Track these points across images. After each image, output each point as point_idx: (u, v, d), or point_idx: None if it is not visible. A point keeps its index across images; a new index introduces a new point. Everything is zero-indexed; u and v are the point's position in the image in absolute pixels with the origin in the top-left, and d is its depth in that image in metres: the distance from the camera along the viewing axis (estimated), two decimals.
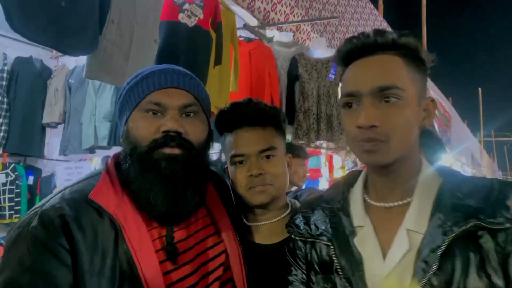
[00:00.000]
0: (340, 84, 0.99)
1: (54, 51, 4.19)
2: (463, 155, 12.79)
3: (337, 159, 5.76)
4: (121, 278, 0.91)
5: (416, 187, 0.92)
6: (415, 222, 0.88)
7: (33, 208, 0.97)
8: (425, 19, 11.30)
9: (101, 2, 1.92)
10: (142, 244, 0.94)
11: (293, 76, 3.33)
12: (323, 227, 1.00)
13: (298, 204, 1.33)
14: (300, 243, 1.06)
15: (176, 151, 0.99)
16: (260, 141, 1.21)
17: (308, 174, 5.37)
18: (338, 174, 5.80)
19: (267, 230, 1.25)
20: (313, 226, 1.02)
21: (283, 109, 3.23)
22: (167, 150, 0.98)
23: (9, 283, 0.83)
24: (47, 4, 1.64)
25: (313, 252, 1.01)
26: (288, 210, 1.28)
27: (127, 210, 0.97)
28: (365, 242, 0.93)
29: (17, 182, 3.96)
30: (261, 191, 1.19)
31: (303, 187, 3.26)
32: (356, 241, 0.94)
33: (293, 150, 2.94)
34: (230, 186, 1.29)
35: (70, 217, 0.91)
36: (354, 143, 0.90)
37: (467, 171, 12.63)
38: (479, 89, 21.65)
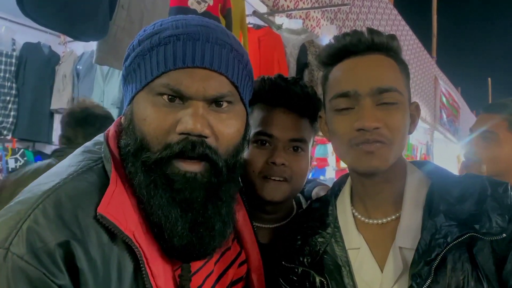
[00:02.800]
0: (327, 84, 0.90)
1: (62, 37, 4.18)
2: None
3: None
4: None
5: (404, 197, 0.87)
6: (407, 238, 0.83)
7: (10, 206, 0.65)
8: (435, 7, 11.13)
9: None
10: (168, 285, 0.71)
11: (302, 64, 3.30)
12: (315, 259, 0.91)
13: (302, 200, 1.23)
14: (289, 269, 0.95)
15: (196, 167, 0.72)
16: (294, 128, 1.05)
17: (314, 164, 5.37)
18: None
19: (272, 233, 1.13)
20: (305, 258, 0.92)
21: None
22: (184, 166, 0.72)
23: None
24: None
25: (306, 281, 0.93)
26: (294, 212, 1.17)
27: (148, 233, 0.71)
28: (362, 265, 0.87)
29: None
30: (275, 186, 1.03)
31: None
32: (354, 267, 0.87)
33: None
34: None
35: (77, 244, 0.63)
36: (350, 147, 0.83)
37: None
38: (489, 79, 21.40)
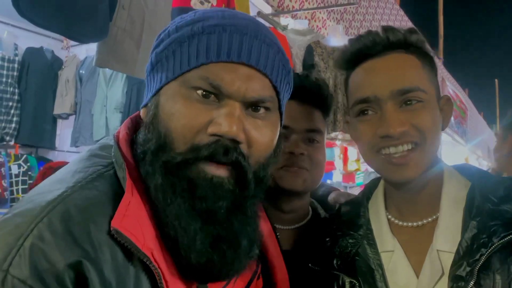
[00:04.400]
0: (348, 90, 0.88)
1: (65, 41, 4.16)
2: (479, 147, 12.56)
3: (352, 151, 5.64)
4: None
5: (442, 198, 0.83)
6: (446, 241, 0.79)
7: (2, 223, 0.55)
8: (442, 9, 11.04)
9: None
10: None
11: (308, 65, 3.23)
12: (346, 261, 0.88)
13: (318, 206, 1.20)
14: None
15: (224, 172, 0.63)
16: (309, 119, 1.07)
17: None
18: (353, 167, 5.70)
19: (287, 236, 1.09)
20: (335, 260, 0.89)
21: None
22: (211, 169, 0.63)
23: None
24: None
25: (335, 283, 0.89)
26: (310, 215, 1.15)
27: (166, 250, 0.62)
28: (396, 269, 0.83)
29: (29, 173, 3.95)
30: (296, 174, 1.03)
31: None
32: (388, 271, 0.83)
33: None
34: None
35: (91, 265, 0.54)
36: (375, 154, 0.81)
37: (483, 164, 12.41)
38: (496, 80, 21.23)
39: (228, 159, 0.62)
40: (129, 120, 0.74)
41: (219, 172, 0.63)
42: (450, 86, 10.15)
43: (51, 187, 0.60)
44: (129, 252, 0.58)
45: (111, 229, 0.56)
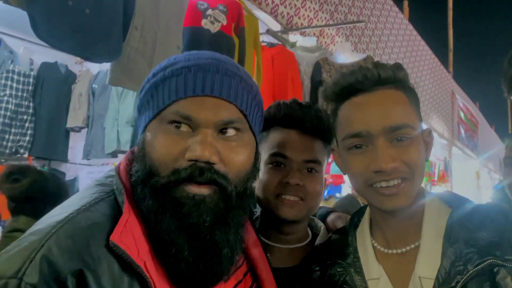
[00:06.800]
0: (337, 121, 0.91)
1: None
2: (490, 161, 12.41)
3: None
4: None
5: (423, 226, 0.86)
6: (427, 268, 0.82)
7: (23, 238, 0.66)
8: (451, 22, 11.04)
9: (125, 9, 1.91)
10: None
11: (316, 82, 3.27)
12: None
13: (321, 225, 1.22)
14: None
15: (204, 190, 0.72)
16: (308, 149, 1.09)
17: (330, 181, 5.28)
18: None
19: (286, 254, 1.13)
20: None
21: None
22: (192, 189, 0.72)
23: None
24: (71, 11, 1.64)
25: None
26: (310, 237, 1.18)
27: (158, 263, 0.71)
28: None
29: None
30: (291, 204, 1.06)
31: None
32: None
33: None
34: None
35: (90, 274, 0.63)
36: (368, 187, 0.84)
37: (495, 177, 12.25)
38: None
39: (204, 179, 0.72)
40: (129, 153, 0.85)
41: (200, 190, 0.72)
42: (460, 99, 10.09)
43: (61, 211, 0.70)
44: (124, 264, 0.67)
45: (110, 242, 0.66)
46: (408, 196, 0.83)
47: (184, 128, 0.74)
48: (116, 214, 0.71)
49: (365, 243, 0.93)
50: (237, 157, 0.76)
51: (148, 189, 0.73)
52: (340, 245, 0.97)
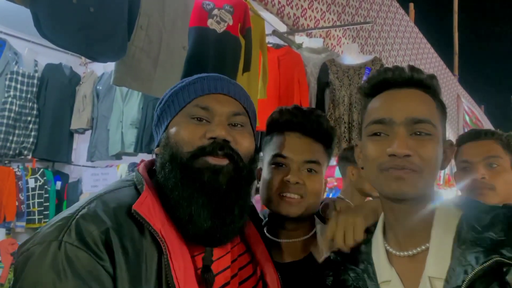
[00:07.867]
0: (365, 114, 0.96)
1: (83, 58, 4.24)
2: None
3: None
4: None
5: (433, 227, 0.88)
6: (436, 267, 0.83)
7: (57, 218, 0.80)
8: (457, 25, 10.99)
9: (130, 8, 1.88)
10: (187, 276, 0.82)
11: (323, 83, 3.23)
12: None
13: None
14: None
15: (223, 161, 0.89)
16: (308, 151, 1.17)
17: (334, 184, 5.23)
18: None
19: (296, 247, 1.21)
20: None
21: None
22: (212, 160, 0.88)
23: None
24: (76, 10, 1.61)
25: None
26: (314, 229, 1.24)
27: (171, 231, 0.85)
28: None
29: (45, 187, 4.00)
30: (291, 202, 1.14)
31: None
32: None
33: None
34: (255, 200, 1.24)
35: (115, 233, 0.77)
36: (380, 172, 0.86)
37: None
38: None
39: (223, 153, 0.89)
40: (147, 161, 1.01)
41: (220, 161, 0.89)
42: (466, 103, 10.02)
43: (90, 196, 0.86)
44: (143, 230, 0.81)
45: (132, 210, 0.80)
46: (414, 185, 0.83)
47: (202, 120, 0.92)
48: (135, 196, 0.85)
49: (378, 247, 0.95)
50: (244, 140, 0.94)
51: (175, 163, 0.88)
52: (354, 251, 1.00)
